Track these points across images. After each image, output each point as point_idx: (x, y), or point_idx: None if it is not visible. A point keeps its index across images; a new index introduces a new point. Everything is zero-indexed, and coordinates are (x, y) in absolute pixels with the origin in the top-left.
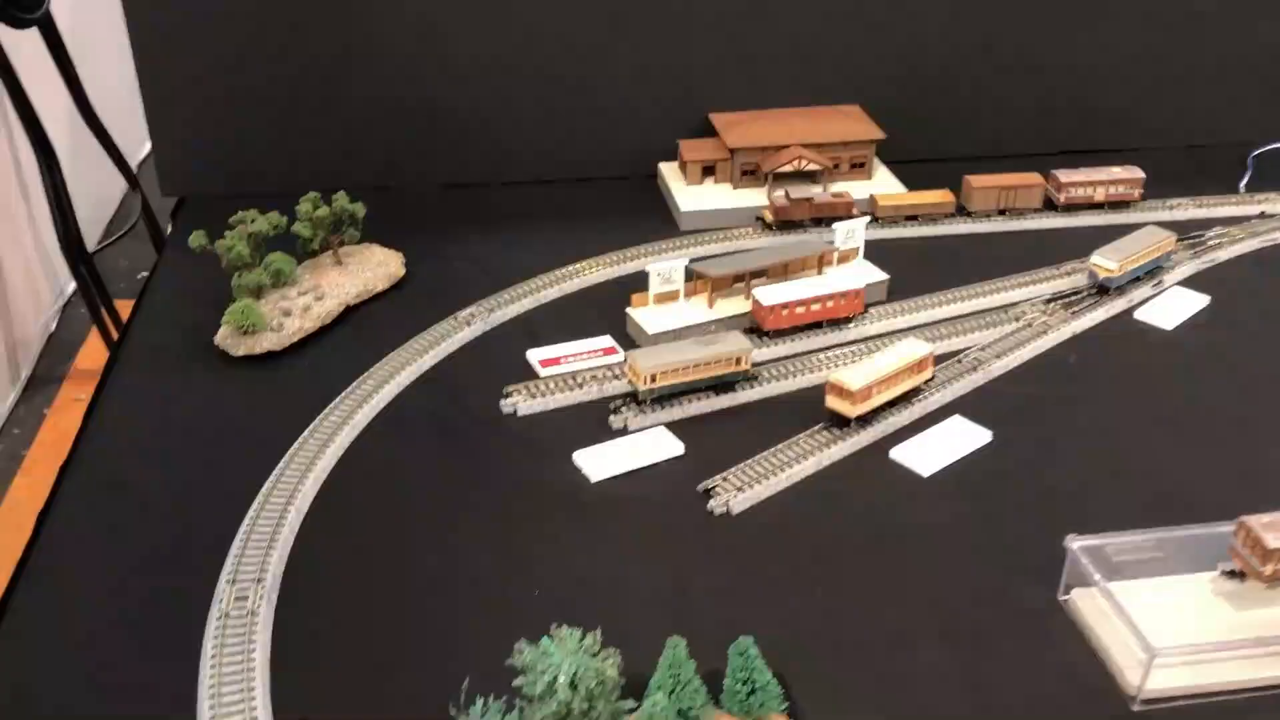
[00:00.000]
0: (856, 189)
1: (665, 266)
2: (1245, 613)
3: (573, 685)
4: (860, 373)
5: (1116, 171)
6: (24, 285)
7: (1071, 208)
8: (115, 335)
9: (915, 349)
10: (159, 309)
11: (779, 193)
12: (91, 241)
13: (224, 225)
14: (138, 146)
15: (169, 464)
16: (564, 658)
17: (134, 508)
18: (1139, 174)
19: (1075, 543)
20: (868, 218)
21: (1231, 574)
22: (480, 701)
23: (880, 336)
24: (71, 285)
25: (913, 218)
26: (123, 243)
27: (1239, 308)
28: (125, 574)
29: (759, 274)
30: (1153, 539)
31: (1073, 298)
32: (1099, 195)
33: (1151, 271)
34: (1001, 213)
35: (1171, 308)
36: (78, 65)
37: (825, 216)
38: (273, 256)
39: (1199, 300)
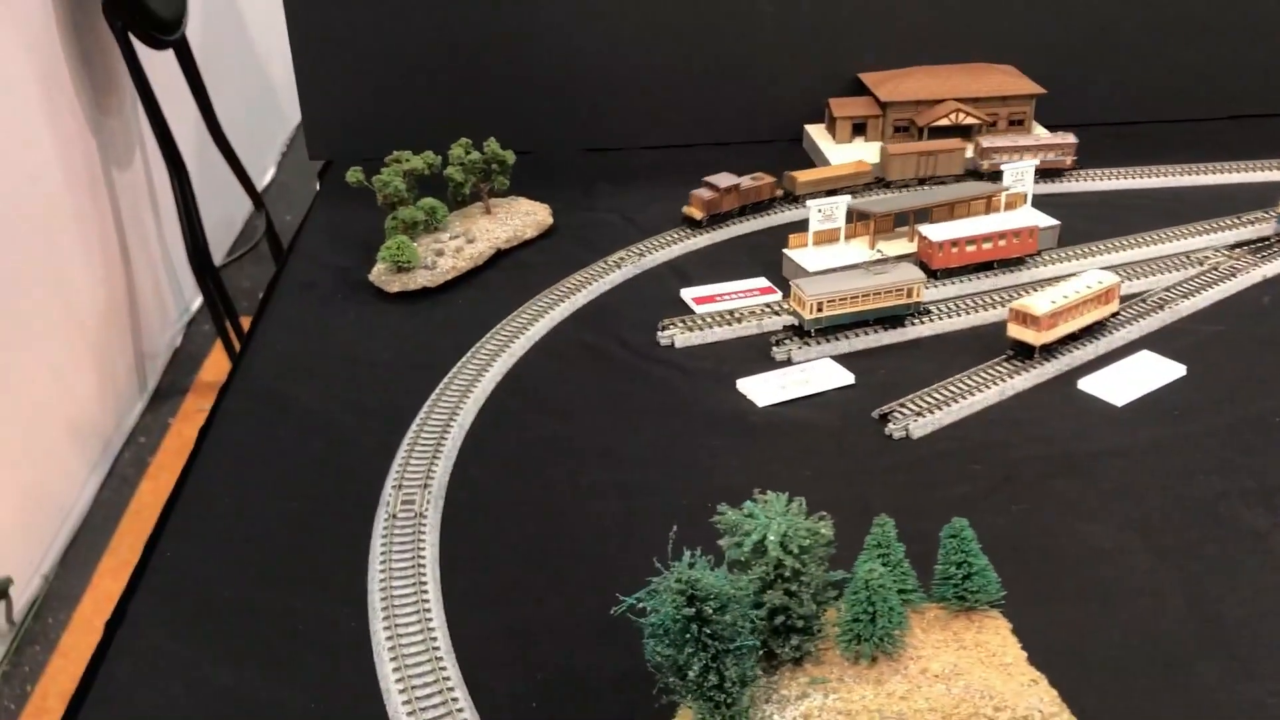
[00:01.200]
0: (1013, 166)
1: (827, 203)
2: None
3: (783, 545)
4: (1046, 299)
5: (1046, 137)
6: (152, 300)
7: (998, 175)
8: (239, 349)
9: (1102, 279)
10: (309, 254)
11: (700, 189)
12: (217, 258)
13: (370, 196)
14: (263, 170)
15: (328, 385)
16: (771, 518)
17: (295, 423)
18: (1071, 140)
19: None
20: (1034, 160)
21: None
22: (688, 554)
23: (1056, 280)
24: (198, 300)
25: (834, 191)
26: (245, 263)
27: None
28: (288, 482)
29: (923, 216)
30: None
31: (1260, 244)
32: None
33: None
34: (922, 182)
35: None
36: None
37: (751, 203)
38: (426, 199)
39: None
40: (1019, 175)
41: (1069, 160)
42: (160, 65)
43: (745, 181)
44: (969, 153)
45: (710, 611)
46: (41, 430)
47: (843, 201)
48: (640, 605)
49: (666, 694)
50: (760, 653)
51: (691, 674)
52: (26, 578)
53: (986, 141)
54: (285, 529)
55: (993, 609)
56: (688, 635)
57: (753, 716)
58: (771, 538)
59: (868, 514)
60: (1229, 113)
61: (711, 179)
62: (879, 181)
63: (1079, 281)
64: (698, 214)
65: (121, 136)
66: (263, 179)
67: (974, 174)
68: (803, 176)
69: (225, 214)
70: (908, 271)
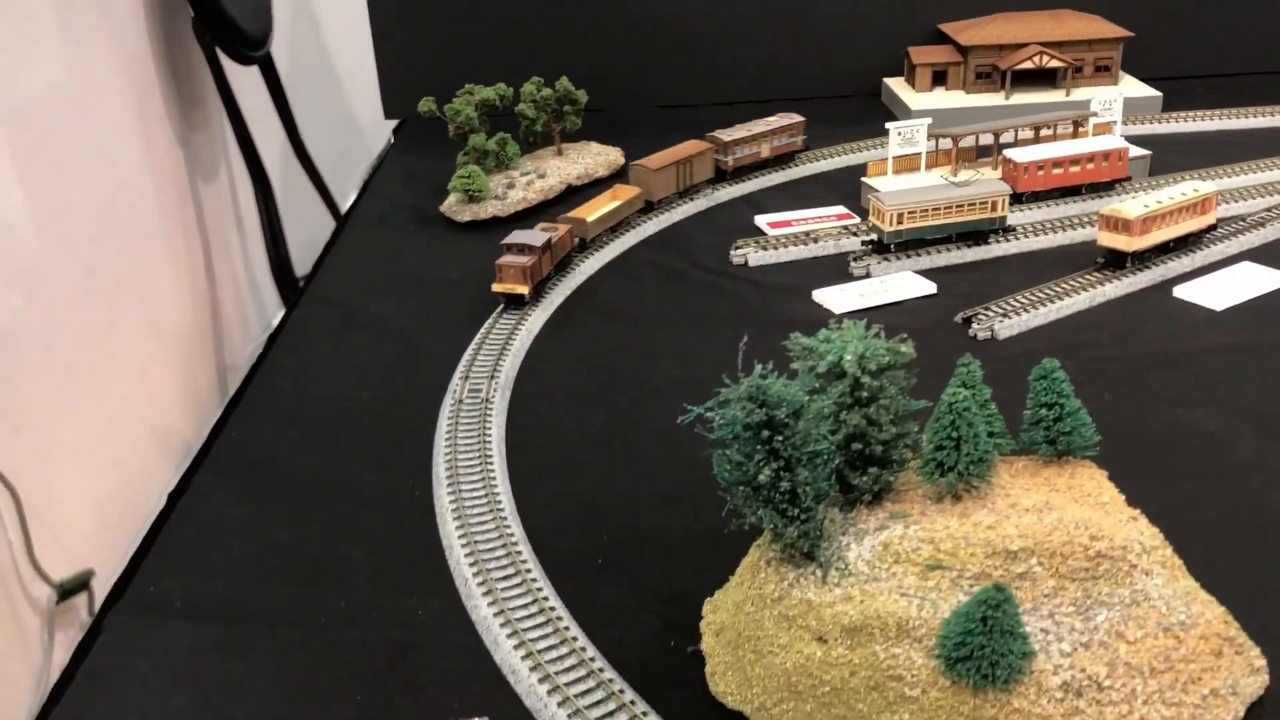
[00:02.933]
0: (1102, 94)
1: (908, 125)
2: None
3: (860, 364)
4: (1139, 204)
5: (774, 122)
6: (235, 312)
7: (741, 170)
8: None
9: (1198, 187)
10: (382, 194)
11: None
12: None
13: (442, 144)
14: (345, 196)
15: (399, 300)
16: (849, 340)
17: (366, 329)
18: (798, 119)
19: None
20: (1122, 90)
21: None
22: (759, 366)
23: None
24: (280, 313)
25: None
26: None
27: None
28: (359, 377)
29: (1007, 144)
30: None
31: None
32: (765, 151)
33: None
34: (682, 194)
35: None
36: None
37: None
38: (498, 133)
39: None
40: (1107, 105)
41: (799, 142)
42: (246, 82)
43: (547, 230)
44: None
45: (782, 417)
46: (127, 435)
47: (923, 124)
48: (709, 414)
49: (736, 517)
50: (834, 480)
51: (762, 478)
52: (106, 575)
53: (725, 135)
54: (354, 414)
55: (1086, 458)
56: (758, 443)
57: (828, 547)
58: (849, 357)
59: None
60: None
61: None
62: (648, 205)
63: (1174, 189)
64: (520, 288)
65: (208, 151)
66: (346, 198)
67: (720, 174)
68: (590, 215)
69: (309, 235)
70: (991, 185)
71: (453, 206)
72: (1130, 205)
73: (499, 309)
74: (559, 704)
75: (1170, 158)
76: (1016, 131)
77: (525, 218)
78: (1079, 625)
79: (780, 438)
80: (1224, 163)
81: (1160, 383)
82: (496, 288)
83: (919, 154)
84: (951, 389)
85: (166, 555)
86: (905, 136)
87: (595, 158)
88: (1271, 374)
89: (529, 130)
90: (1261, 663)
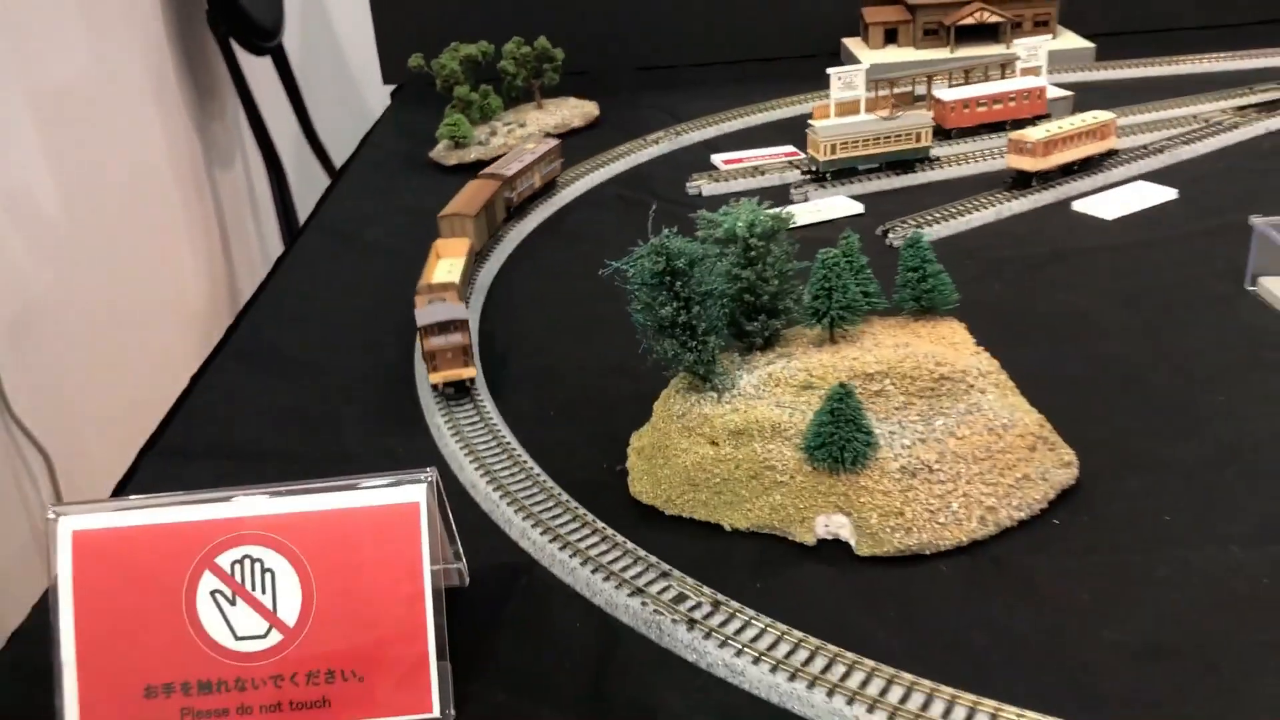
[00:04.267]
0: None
1: (847, 70)
2: None
3: (750, 229)
4: (1042, 129)
5: (539, 149)
6: (251, 289)
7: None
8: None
9: (1098, 114)
10: (378, 145)
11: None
12: None
13: (432, 103)
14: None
15: (391, 228)
16: (741, 213)
17: (361, 250)
18: (554, 143)
19: (1259, 220)
20: (1048, 37)
21: None
22: (666, 230)
23: None
24: None
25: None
26: None
27: None
28: (355, 287)
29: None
30: None
31: (1269, 104)
32: (537, 181)
33: None
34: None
35: None
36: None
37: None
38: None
39: None
40: (1033, 51)
41: (559, 167)
42: (260, 71)
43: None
44: None
45: (681, 265)
46: (149, 404)
47: (861, 69)
48: (625, 269)
49: (649, 354)
50: (727, 322)
51: (664, 313)
52: None
53: (505, 170)
54: (348, 315)
55: (948, 314)
56: (662, 288)
57: (725, 376)
58: (740, 224)
59: None
60: (1256, 18)
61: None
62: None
63: (1076, 117)
64: (466, 372)
65: (224, 138)
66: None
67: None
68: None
69: None
70: (917, 118)
71: (440, 152)
72: (1034, 130)
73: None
74: (508, 504)
75: (1095, 99)
76: (950, 77)
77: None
78: (920, 428)
79: (679, 282)
80: (1142, 101)
81: (1047, 275)
82: (435, 378)
83: (858, 98)
84: (826, 252)
85: (189, 419)
86: (845, 81)
87: (572, 110)
88: (1142, 264)
89: (510, 85)
90: (1072, 458)
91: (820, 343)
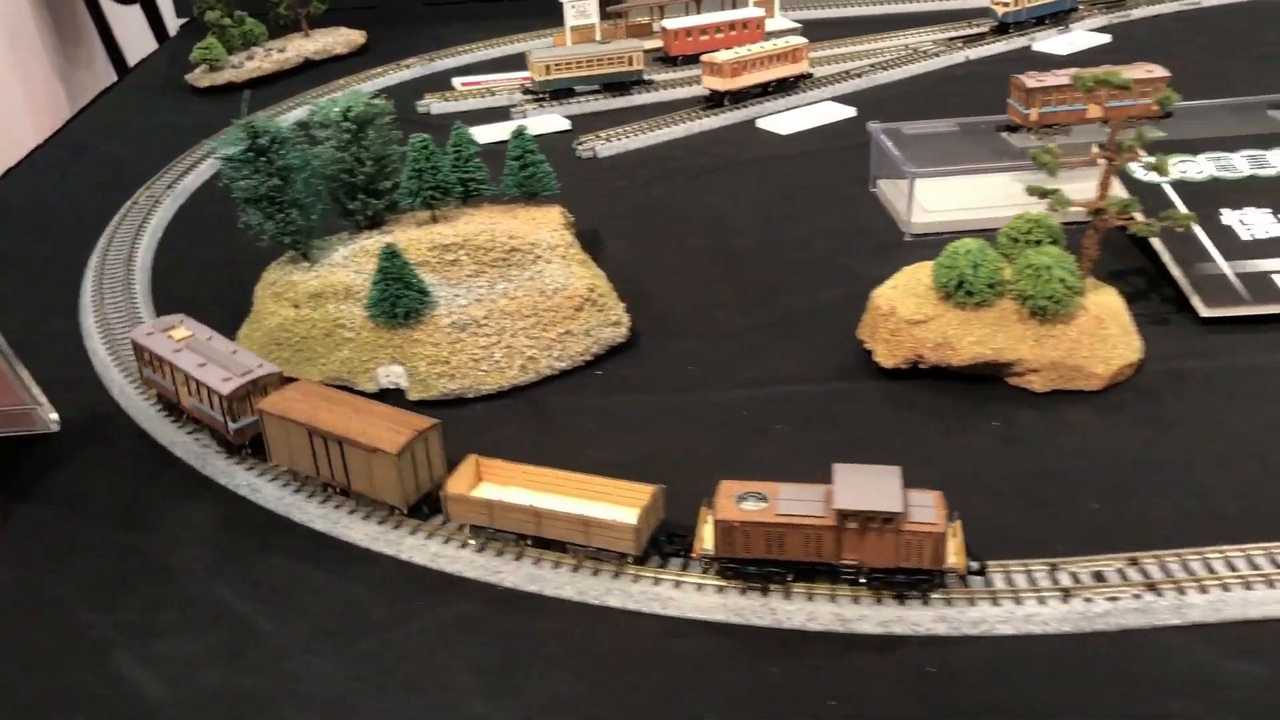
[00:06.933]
0: None
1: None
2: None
3: (345, 115)
4: (732, 52)
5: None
6: None
7: None
8: None
9: (790, 40)
10: (147, 69)
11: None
12: None
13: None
14: None
15: (124, 142)
16: (339, 100)
17: (91, 163)
18: None
19: (876, 126)
20: None
21: (1007, 128)
22: (260, 113)
23: None
24: None
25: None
26: None
27: (1139, 42)
28: (75, 197)
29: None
30: (946, 123)
31: (973, 37)
32: None
33: (1057, 15)
34: None
35: (1073, 41)
36: None
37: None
38: (241, 13)
39: (1100, 38)
40: None
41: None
42: (129, 20)
43: None
44: None
45: (265, 143)
46: None
47: None
48: (219, 151)
49: (253, 238)
50: (322, 199)
51: (245, 184)
52: None
53: None
54: (72, 209)
55: (550, 200)
56: (250, 163)
57: (320, 255)
58: (336, 110)
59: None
60: None
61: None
62: None
63: (768, 42)
64: None
65: (91, 88)
66: None
67: None
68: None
69: None
70: (630, 43)
71: (195, 75)
72: (725, 53)
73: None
74: (114, 362)
75: (832, 32)
76: (688, 7)
77: (263, 86)
78: (483, 291)
79: (264, 159)
80: (872, 33)
81: (704, 181)
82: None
83: (592, 25)
84: (417, 138)
85: None
86: (578, 10)
87: (337, 37)
88: (794, 172)
89: (278, 14)
90: (620, 318)
91: (421, 223)
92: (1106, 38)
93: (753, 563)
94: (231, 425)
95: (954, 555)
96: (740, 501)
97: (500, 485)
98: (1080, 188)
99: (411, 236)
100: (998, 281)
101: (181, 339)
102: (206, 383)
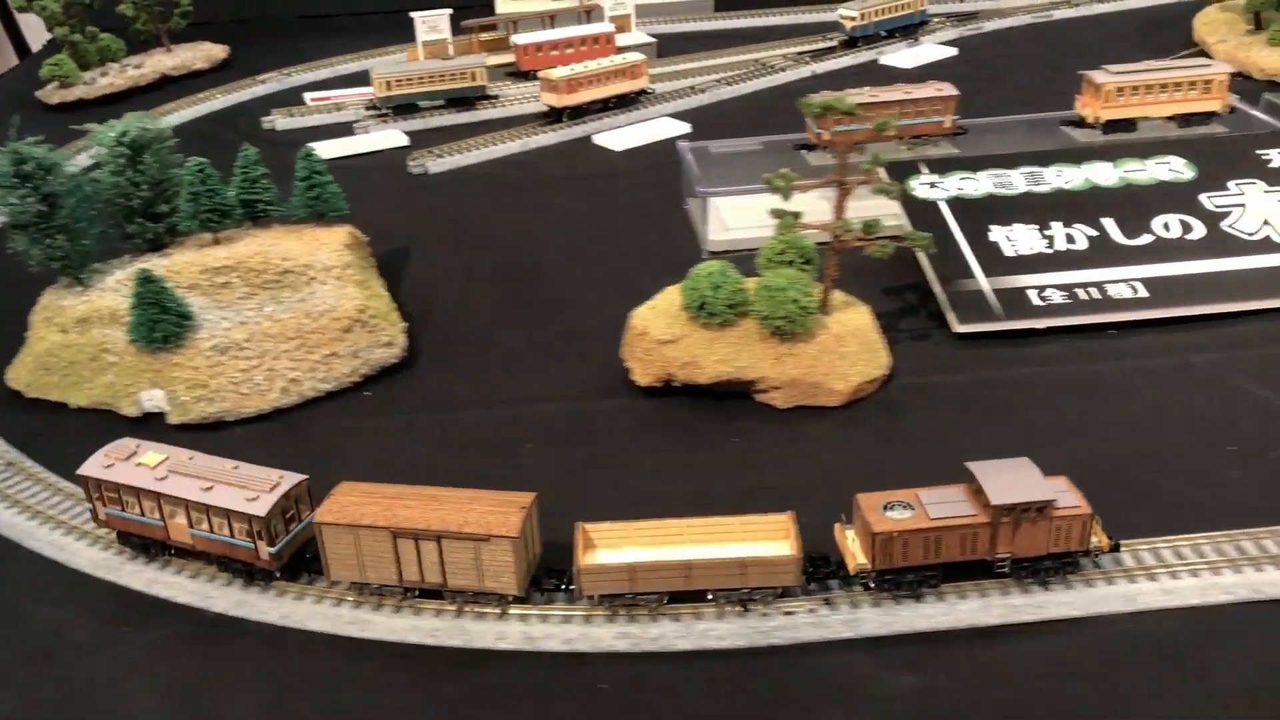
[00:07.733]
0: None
1: (432, 14)
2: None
3: (119, 140)
4: (568, 68)
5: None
6: None
7: None
8: None
9: (627, 56)
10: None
11: None
12: None
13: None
14: None
15: None
16: (117, 125)
17: None
18: None
19: (684, 145)
20: None
21: (802, 146)
22: (30, 138)
23: None
24: None
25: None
26: None
27: (984, 55)
28: None
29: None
30: (751, 141)
31: (822, 51)
32: None
33: (906, 29)
34: None
35: (920, 55)
36: None
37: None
38: (94, 28)
39: (948, 51)
40: (620, 2)
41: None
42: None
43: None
44: None
45: (30, 170)
46: None
47: (445, 13)
48: None
49: (20, 253)
50: (103, 225)
51: (8, 207)
52: None
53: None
54: None
55: (343, 222)
56: (15, 188)
57: (94, 280)
58: (110, 135)
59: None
60: None
61: None
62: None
63: (606, 59)
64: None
65: None
66: None
67: None
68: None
69: None
70: (474, 59)
71: (46, 91)
72: (559, 69)
73: None
74: None
75: (683, 45)
76: (545, 21)
77: (113, 103)
78: (250, 314)
79: (31, 185)
80: (725, 47)
81: (526, 199)
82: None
83: (444, 40)
84: (194, 161)
85: None
86: (430, 24)
87: (198, 53)
88: (615, 189)
89: (136, 30)
90: (392, 339)
91: (202, 245)
92: (954, 51)
93: (910, 570)
94: (268, 550)
95: (1096, 535)
96: (886, 511)
97: (613, 549)
98: (864, 205)
99: (188, 259)
100: (739, 302)
101: (159, 464)
102: (227, 507)
